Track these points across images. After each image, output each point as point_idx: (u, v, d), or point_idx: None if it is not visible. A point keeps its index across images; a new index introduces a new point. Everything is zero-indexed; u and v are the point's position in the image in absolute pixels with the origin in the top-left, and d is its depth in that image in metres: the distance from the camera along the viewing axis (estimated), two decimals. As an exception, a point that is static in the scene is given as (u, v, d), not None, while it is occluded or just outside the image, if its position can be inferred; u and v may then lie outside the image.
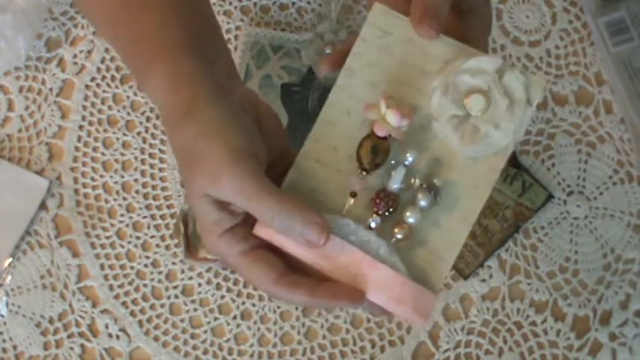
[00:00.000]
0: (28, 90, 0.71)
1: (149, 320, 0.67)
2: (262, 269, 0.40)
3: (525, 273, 0.66)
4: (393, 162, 0.42)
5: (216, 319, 0.66)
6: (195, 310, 0.67)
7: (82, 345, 0.67)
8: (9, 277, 0.68)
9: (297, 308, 0.66)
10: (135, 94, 0.71)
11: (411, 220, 0.41)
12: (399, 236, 0.42)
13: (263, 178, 0.40)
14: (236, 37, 0.72)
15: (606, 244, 0.67)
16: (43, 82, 0.71)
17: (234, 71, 0.46)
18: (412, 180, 0.42)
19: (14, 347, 0.67)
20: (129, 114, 0.71)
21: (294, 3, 0.72)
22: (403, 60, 0.43)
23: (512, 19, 0.71)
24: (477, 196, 0.42)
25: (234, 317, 0.66)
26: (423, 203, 0.41)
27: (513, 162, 0.67)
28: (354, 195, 0.42)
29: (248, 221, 0.41)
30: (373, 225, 0.42)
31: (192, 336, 0.66)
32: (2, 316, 0.67)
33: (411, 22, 0.42)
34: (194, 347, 0.66)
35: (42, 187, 0.68)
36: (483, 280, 0.66)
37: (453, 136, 0.42)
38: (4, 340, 0.67)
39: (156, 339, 0.66)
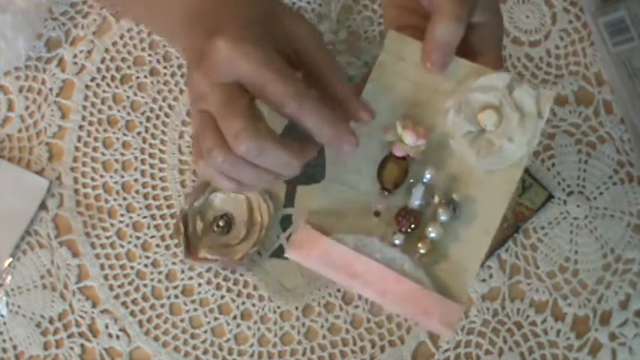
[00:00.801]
0: (28, 90, 0.71)
1: (149, 320, 0.67)
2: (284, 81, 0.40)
3: (525, 273, 0.66)
4: (412, 180, 0.44)
5: (216, 319, 0.66)
6: (195, 310, 0.67)
7: (82, 345, 0.67)
8: (9, 277, 0.68)
9: (297, 308, 0.66)
10: (135, 94, 0.71)
11: (432, 235, 0.43)
12: (422, 251, 0.44)
13: (271, 49, 0.41)
14: (236, 37, 0.72)
15: (606, 244, 0.67)
16: (43, 82, 0.71)
17: None
18: (432, 196, 0.44)
19: (14, 347, 0.67)
20: (129, 114, 0.71)
21: (294, 3, 0.72)
22: (418, 83, 0.45)
23: (512, 19, 0.71)
24: (496, 208, 0.44)
25: (234, 317, 0.66)
26: (443, 218, 0.43)
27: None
28: (377, 214, 0.44)
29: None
30: (397, 242, 0.44)
31: (192, 336, 0.66)
32: (2, 316, 0.67)
33: (421, 56, 0.44)
34: (194, 347, 0.66)
35: (42, 187, 0.68)
36: (483, 280, 0.66)
37: (470, 152, 0.44)
38: (4, 340, 0.67)
39: (156, 339, 0.66)
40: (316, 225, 0.44)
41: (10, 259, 0.68)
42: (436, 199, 0.44)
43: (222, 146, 0.40)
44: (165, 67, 0.71)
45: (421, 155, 0.44)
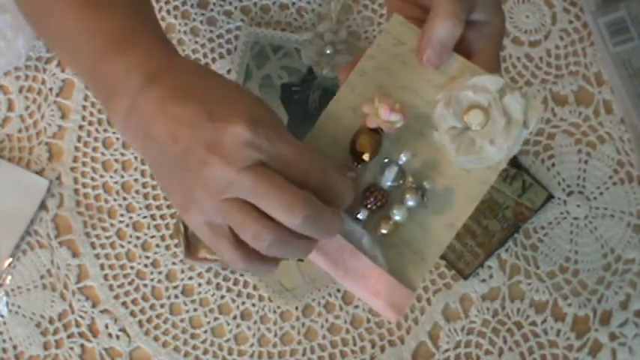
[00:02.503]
0: (28, 90, 0.71)
1: (149, 320, 0.67)
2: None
3: (525, 273, 0.66)
4: (386, 160, 0.44)
5: (216, 319, 0.66)
6: (195, 310, 0.67)
7: (82, 345, 0.67)
8: (9, 277, 0.68)
9: (297, 308, 0.66)
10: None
11: (397, 218, 0.43)
12: (383, 231, 0.43)
13: (285, 127, 0.42)
14: (236, 37, 0.72)
15: (606, 244, 0.67)
16: (43, 82, 0.71)
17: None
18: (402, 180, 0.44)
19: (14, 347, 0.67)
20: (129, 114, 0.71)
21: (294, 3, 0.72)
22: (413, 69, 0.45)
23: (512, 19, 0.71)
24: (465, 205, 0.44)
25: (234, 317, 0.66)
26: (410, 203, 0.43)
27: (513, 162, 0.67)
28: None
29: None
30: (360, 217, 0.43)
31: (192, 336, 0.66)
32: (2, 316, 0.67)
33: (417, 50, 0.45)
34: (194, 347, 0.66)
35: (42, 187, 0.68)
36: (483, 280, 0.66)
37: (450, 146, 0.43)
38: (4, 340, 0.67)
39: (156, 339, 0.66)
40: None
41: (10, 259, 0.68)
42: (407, 184, 0.44)
43: (270, 226, 0.38)
44: (165, 67, 0.71)
45: (394, 130, 0.44)
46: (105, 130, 0.70)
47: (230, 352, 0.66)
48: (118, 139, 0.70)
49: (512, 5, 0.72)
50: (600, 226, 0.67)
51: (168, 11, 0.73)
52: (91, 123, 0.71)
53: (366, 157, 0.43)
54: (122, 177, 0.69)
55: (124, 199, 0.69)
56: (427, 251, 0.44)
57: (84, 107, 0.71)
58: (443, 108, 0.44)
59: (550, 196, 0.67)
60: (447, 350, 0.65)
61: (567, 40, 0.71)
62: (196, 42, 0.72)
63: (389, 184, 0.44)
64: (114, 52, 0.42)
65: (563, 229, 0.67)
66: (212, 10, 0.72)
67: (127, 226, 0.68)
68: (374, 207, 0.43)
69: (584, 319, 0.66)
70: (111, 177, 0.69)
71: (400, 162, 0.43)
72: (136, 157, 0.70)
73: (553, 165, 0.68)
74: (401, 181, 0.44)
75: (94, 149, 0.70)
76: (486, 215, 0.66)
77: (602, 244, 0.67)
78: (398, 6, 0.47)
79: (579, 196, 0.67)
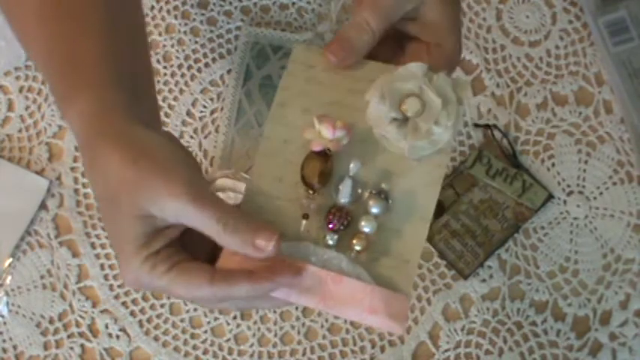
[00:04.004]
0: (28, 90, 0.71)
1: (149, 320, 0.67)
2: (193, 275, 0.39)
3: (525, 273, 0.66)
4: (338, 178, 0.43)
5: (216, 319, 0.66)
6: (195, 310, 0.67)
7: (82, 345, 0.67)
8: (9, 277, 0.68)
9: (297, 308, 0.66)
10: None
11: (367, 230, 0.42)
12: (357, 248, 0.42)
13: (210, 190, 0.41)
14: (236, 37, 0.72)
15: (606, 244, 0.67)
16: (43, 82, 0.71)
17: (157, 112, 0.47)
18: (360, 190, 0.43)
19: (14, 347, 0.67)
20: (129, 114, 0.71)
21: (294, 3, 0.72)
22: (331, 85, 0.46)
23: (512, 19, 0.71)
24: (429, 194, 0.43)
25: (234, 317, 0.66)
26: (375, 210, 0.42)
27: (513, 162, 0.67)
28: (306, 217, 0.42)
29: (172, 244, 0.40)
30: (331, 242, 0.42)
31: (192, 336, 0.66)
32: (2, 316, 0.67)
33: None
34: (194, 347, 0.66)
35: (42, 187, 0.68)
36: (483, 280, 0.66)
37: (397, 137, 0.43)
38: (4, 340, 0.67)
39: (156, 339, 0.66)
40: None
41: (10, 259, 0.68)
42: (366, 192, 0.43)
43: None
44: (165, 67, 0.71)
45: (342, 148, 0.43)
46: (105, 130, 0.70)
47: (230, 352, 0.66)
48: (118, 139, 0.70)
49: (512, 5, 0.72)
50: (600, 226, 0.67)
51: (168, 11, 0.73)
52: (91, 123, 0.71)
53: (314, 182, 0.42)
54: (122, 177, 0.69)
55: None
56: (408, 252, 0.42)
57: (84, 107, 0.71)
58: (378, 104, 0.43)
59: (550, 196, 0.67)
60: (447, 350, 0.65)
61: (567, 40, 0.71)
62: (196, 42, 0.72)
63: (347, 199, 0.42)
64: (66, 88, 0.42)
65: (563, 229, 0.67)
66: (212, 10, 0.73)
67: (127, 226, 0.68)
68: (341, 227, 0.42)
69: (584, 319, 0.66)
70: (111, 177, 0.69)
71: (351, 173, 0.42)
72: (136, 157, 0.70)
73: (553, 165, 0.68)
74: (360, 191, 0.43)
75: (94, 149, 0.70)
76: (486, 215, 0.66)
77: (602, 244, 0.67)
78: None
79: (579, 196, 0.67)
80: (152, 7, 0.73)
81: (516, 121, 0.69)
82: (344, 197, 0.42)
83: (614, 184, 0.68)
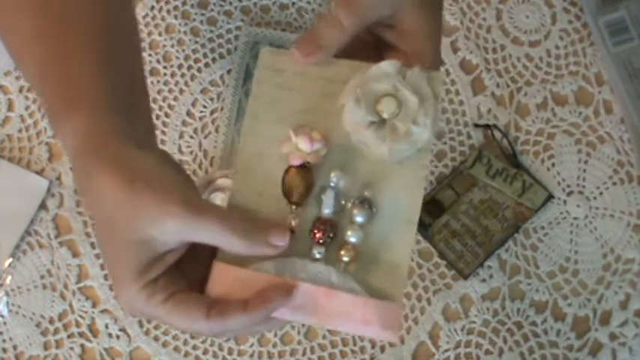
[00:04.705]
0: (28, 90, 0.71)
1: (149, 320, 0.67)
2: (190, 309, 0.39)
3: (525, 273, 0.66)
4: (320, 189, 0.42)
5: (216, 319, 0.66)
6: (195, 310, 0.67)
7: (82, 345, 0.67)
8: (9, 277, 0.68)
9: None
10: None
11: (353, 240, 0.41)
12: (345, 259, 0.41)
13: (208, 201, 0.41)
14: (236, 37, 0.72)
15: (606, 244, 0.67)
16: (43, 82, 0.71)
17: (152, 130, 0.46)
18: (344, 201, 0.42)
19: (14, 347, 0.67)
20: (129, 114, 0.71)
21: (294, 3, 0.72)
22: (303, 90, 0.44)
23: (512, 19, 0.71)
24: (414, 195, 0.43)
25: (234, 317, 0.66)
26: (359, 219, 0.41)
27: (513, 162, 0.67)
28: (292, 232, 0.41)
29: (169, 272, 0.40)
30: (318, 256, 0.41)
31: (192, 336, 0.66)
32: (2, 316, 0.67)
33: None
34: (194, 347, 0.66)
35: (42, 187, 0.68)
36: (483, 280, 0.66)
37: (376, 141, 0.42)
38: (4, 340, 0.67)
39: (156, 339, 0.66)
40: (229, 259, 0.41)
41: (10, 259, 0.68)
42: (350, 202, 0.42)
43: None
44: (165, 67, 0.71)
45: (322, 160, 0.42)
46: (105, 130, 0.70)
47: (230, 352, 0.66)
48: (118, 139, 0.70)
49: (512, 5, 0.72)
50: (600, 226, 0.67)
51: (168, 11, 0.73)
52: (91, 123, 0.71)
53: (297, 196, 0.42)
54: (122, 177, 0.69)
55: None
56: (397, 257, 0.42)
57: (84, 107, 0.71)
58: (354, 107, 0.42)
59: (550, 196, 0.67)
60: (447, 350, 0.65)
61: (567, 40, 0.71)
62: (196, 42, 0.72)
63: (330, 210, 0.42)
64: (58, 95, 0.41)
65: (563, 229, 0.67)
66: (212, 10, 0.73)
67: (127, 226, 0.68)
68: (327, 240, 0.41)
69: (584, 319, 0.66)
70: (111, 177, 0.69)
71: (332, 184, 0.42)
72: (136, 157, 0.70)
73: (553, 165, 0.68)
74: (343, 202, 0.42)
75: (94, 149, 0.70)
76: (486, 215, 0.66)
77: (602, 244, 0.67)
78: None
79: (579, 196, 0.67)
80: (152, 7, 0.73)
81: (516, 121, 0.69)
82: (327, 209, 0.42)
83: (614, 184, 0.68)
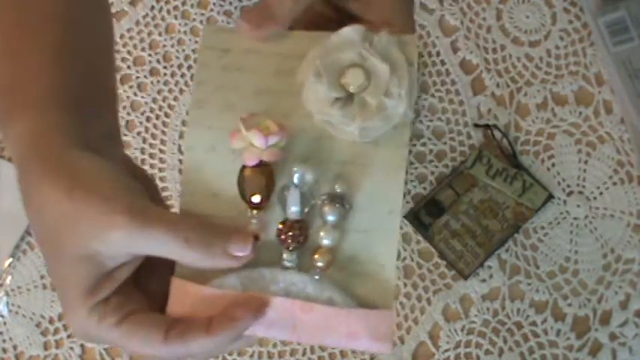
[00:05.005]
0: (28, 90, 0.71)
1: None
2: (146, 331, 0.34)
3: (525, 273, 0.66)
4: (283, 186, 0.37)
5: (216, 319, 0.66)
6: (195, 310, 0.67)
7: (82, 345, 0.66)
8: (9, 277, 0.68)
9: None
10: (135, 94, 0.71)
11: (327, 242, 0.36)
12: (320, 264, 0.36)
13: (160, 207, 0.35)
14: (236, 37, 0.72)
15: (606, 244, 0.67)
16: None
17: (113, 134, 0.40)
18: (313, 198, 0.37)
19: (14, 347, 0.67)
20: (129, 114, 0.71)
21: (294, 3, 0.72)
22: (254, 69, 0.39)
23: (512, 19, 0.71)
24: (393, 181, 0.37)
25: (234, 317, 0.66)
26: (331, 218, 0.36)
27: (513, 162, 0.67)
28: (256, 238, 0.36)
29: (123, 290, 0.35)
30: (289, 264, 0.36)
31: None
32: (2, 316, 0.67)
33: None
34: (194, 347, 0.66)
35: (42, 187, 0.68)
36: (483, 280, 0.66)
37: (344, 120, 0.36)
38: (4, 340, 0.67)
39: (156, 339, 0.66)
40: (189, 274, 0.36)
41: (10, 259, 0.68)
42: (319, 199, 0.37)
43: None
44: (165, 67, 0.71)
45: (281, 155, 0.36)
46: (105, 130, 0.70)
47: (230, 352, 0.66)
48: (118, 139, 0.70)
49: (512, 5, 0.72)
50: (600, 226, 0.67)
51: (168, 11, 0.73)
52: (91, 123, 0.71)
53: (256, 199, 0.36)
54: (122, 177, 0.69)
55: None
56: (381, 256, 0.37)
57: (84, 107, 0.71)
58: (315, 83, 0.36)
59: (550, 196, 0.67)
60: (447, 350, 0.65)
61: (567, 40, 0.71)
62: (196, 42, 0.72)
63: (297, 211, 0.36)
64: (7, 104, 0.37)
65: (563, 229, 0.67)
66: (212, 10, 0.72)
67: (127, 226, 0.68)
68: (297, 245, 0.36)
69: (584, 319, 0.66)
70: (111, 177, 0.69)
71: (296, 181, 0.36)
72: (135, 157, 0.70)
73: (553, 165, 0.68)
74: (312, 201, 0.37)
75: (94, 149, 0.70)
76: (486, 215, 0.66)
77: (602, 244, 0.67)
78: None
79: (579, 196, 0.67)
80: (152, 7, 0.73)
81: (516, 121, 0.69)
82: (293, 210, 0.36)
83: (614, 184, 0.68)
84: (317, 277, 0.36)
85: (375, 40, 0.37)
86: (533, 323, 0.65)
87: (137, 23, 0.72)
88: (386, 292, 0.36)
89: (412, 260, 0.66)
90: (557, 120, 0.69)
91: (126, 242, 0.33)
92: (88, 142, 0.36)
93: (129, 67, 0.72)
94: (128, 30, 0.72)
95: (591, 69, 0.70)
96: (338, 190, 0.37)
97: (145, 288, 0.37)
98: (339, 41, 0.37)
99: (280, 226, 0.36)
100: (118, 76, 0.71)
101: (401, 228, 0.66)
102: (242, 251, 0.35)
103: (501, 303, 0.66)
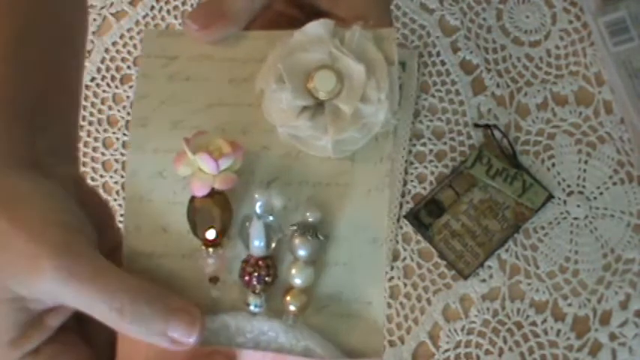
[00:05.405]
0: (28, 90, 0.71)
1: None
2: None
3: (525, 273, 0.66)
4: (243, 217, 0.32)
5: (216, 319, 0.66)
6: (195, 310, 0.66)
7: (82, 345, 0.66)
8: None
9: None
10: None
11: (298, 282, 0.30)
12: (293, 307, 0.30)
13: (99, 257, 0.29)
14: (236, 37, 0.72)
15: (606, 244, 0.67)
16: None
17: (63, 149, 0.34)
18: (279, 233, 0.31)
19: (14, 347, 0.67)
20: (129, 114, 0.71)
21: (294, 3, 0.72)
22: (204, 78, 0.33)
23: (512, 19, 0.71)
24: (376, 203, 0.31)
25: (234, 317, 0.66)
26: (302, 253, 0.30)
27: (513, 162, 0.67)
28: (214, 280, 0.31)
29: (58, 339, 0.30)
30: (256, 309, 0.30)
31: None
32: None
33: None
34: (194, 347, 0.66)
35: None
36: (483, 280, 0.66)
37: (314, 133, 0.30)
38: (4, 340, 0.67)
39: (156, 339, 0.66)
40: None
41: None
42: (288, 230, 0.31)
43: None
44: (165, 67, 0.71)
45: (236, 181, 0.30)
46: (105, 130, 0.70)
47: (230, 352, 0.66)
48: (118, 139, 0.70)
49: (512, 5, 0.72)
50: (600, 226, 0.67)
51: (168, 11, 0.73)
52: (90, 123, 0.71)
53: (211, 234, 0.30)
54: (122, 177, 0.69)
55: (124, 199, 0.69)
56: (366, 291, 0.31)
57: (84, 107, 0.71)
58: (277, 90, 0.30)
59: (550, 196, 0.67)
60: (447, 350, 0.65)
61: (567, 40, 0.71)
62: (196, 42, 0.72)
63: (260, 244, 0.30)
64: None
65: (563, 229, 0.67)
66: (212, 10, 0.72)
67: (127, 226, 0.68)
68: (264, 286, 0.30)
69: (584, 319, 0.65)
70: (111, 177, 0.69)
71: (258, 210, 0.30)
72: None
73: (553, 165, 0.68)
74: (280, 235, 0.31)
75: (94, 149, 0.70)
76: (486, 215, 0.66)
77: (602, 244, 0.67)
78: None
79: (579, 196, 0.67)
80: (152, 7, 0.73)
81: (516, 121, 0.69)
82: (257, 247, 0.30)
83: (614, 184, 0.68)
84: (290, 322, 0.31)
85: (346, 36, 0.32)
86: (533, 323, 0.65)
87: (137, 23, 0.72)
88: (375, 335, 0.31)
89: (412, 260, 0.66)
90: (557, 120, 0.69)
91: (50, 292, 0.28)
92: (29, 158, 0.30)
93: (129, 67, 0.72)
94: (128, 30, 0.72)
95: (591, 69, 0.70)
96: (310, 219, 0.31)
97: (89, 336, 0.32)
98: (304, 39, 0.31)
99: (243, 265, 0.31)
100: (118, 77, 0.71)
101: (401, 228, 0.66)
102: (185, 337, 0.29)
103: (501, 303, 0.66)
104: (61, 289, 0.27)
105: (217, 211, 0.30)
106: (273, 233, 0.31)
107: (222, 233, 0.31)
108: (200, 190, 0.30)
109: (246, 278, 0.31)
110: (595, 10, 0.69)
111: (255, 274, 0.30)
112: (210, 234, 0.30)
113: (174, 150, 0.31)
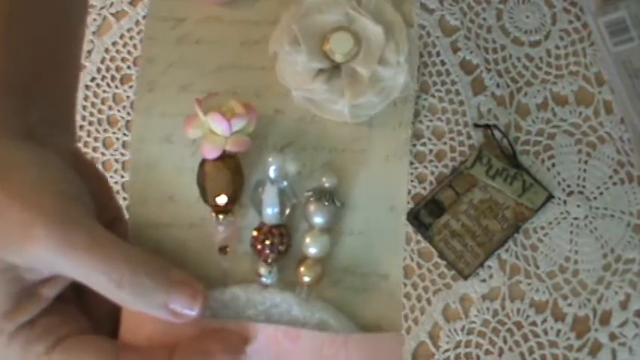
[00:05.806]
0: (28, 90, 0.71)
1: None
2: (86, 358, 0.27)
3: (525, 273, 0.66)
4: (256, 183, 0.30)
5: (216, 319, 0.66)
6: (195, 310, 0.66)
7: None
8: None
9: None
10: (135, 94, 0.71)
11: (313, 251, 0.29)
12: (307, 279, 0.28)
13: (98, 226, 0.28)
14: (236, 37, 0.72)
15: (606, 244, 0.67)
16: (43, 82, 0.71)
17: (60, 120, 0.33)
18: (294, 197, 0.30)
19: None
20: (129, 114, 0.71)
21: (294, 3, 0.72)
22: (215, 41, 0.32)
23: (512, 19, 0.71)
24: (395, 170, 0.30)
25: (234, 317, 0.66)
26: (318, 220, 0.29)
27: (513, 162, 0.67)
28: (224, 250, 0.29)
29: (54, 309, 0.28)
30: (268, 280, 0.29)
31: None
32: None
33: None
34: (194, 347, 0.66)
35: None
36: (483, 280, 0.66)
37: (330, 97, 0.29)
38: (4, 340, 0.67)
39: (156, 339, 0.66)
40: None
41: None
42: (303, 196, 0.29)
43: None
44: (165, 67, 0.71)
45: (249, 143, 0.29)
46: (105, 130, 0.70)
47: None
48: (118, 139, 0.70)
49: (512, 5, 0.72)
50: (600, 226, 0.67)
51: (168, 11, 0.73)
52: (90, 123, 0.71)
53: (222, 200, 0.28)
54: (122, 177, 0.69)
55: (124, 199, 0.69)
56: (384, 262, 0.29)
57: (84, 107, 0.71)
58: (292, 52, 0.29)
59: (550, 196, 0.67)
60: (447, 350, 0.65)
61: (567, 40, 0.71)
62: (196, 42, 0.72)
63: (273, 211, 0.28)
64: None
65: (563, 229, 0.67)
66: (212, 10, 0.72)
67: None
68: (276, 255, 0.29)
69: (584, 319, 0.65)
70: (111, 177, 0.69)
71: (272, 175, 0.29)
72: (136, 157, 0.70)
73: (553, 165, 0.68)
74: (294, 201, 0.30)
75: (94, 149, 0.70)
76: (486, 215, 0.66)
77: (602, 244, 0.67)
78: None
79: (579, 196, 0.67)
80: (152, 7, 0.73)
81: (516, 121, 0.69)
82: (270, 212, 0.29)
83: (615, 184, 0.68)
84: (304, 295, 0.29)
85: None
86: (533, 323, 0.65)
87: (137, 23, 0.72)
88: (393, 309, 0.29)
89: (412, 260, 0.66)
90: (557, 120, 0.69)
91: (45, 261, 0.27)
92: (23, 128, 0.29)
93: (129, 67, 0.72)
94: (128, 30, 0.72)
95: (591, 69, 0.70)
96: (326, 185, 0.29)
97: (88, 308, 0.30)
98: (319, 0, 0.30)
99: (255, 234, 0.29)
100: (118, 76, 0.71)
101: (401, 228, 0.66)
102: (187, 310, 0.27)
103: (501, 303, 0.66)
104: (56, 258, 0.26)
105: (228, 175, 0.28)
106: (287, 200, 0.29)
107: (233, 200, 0.29)
108: (211, 153, 0.28)
109: (259, 247, 0.29)
110: (595, 10, 0.69)
111: (268, 242, 0.28)
112: (221, 199, 0.29)
113: (183, 114, 0.29)
